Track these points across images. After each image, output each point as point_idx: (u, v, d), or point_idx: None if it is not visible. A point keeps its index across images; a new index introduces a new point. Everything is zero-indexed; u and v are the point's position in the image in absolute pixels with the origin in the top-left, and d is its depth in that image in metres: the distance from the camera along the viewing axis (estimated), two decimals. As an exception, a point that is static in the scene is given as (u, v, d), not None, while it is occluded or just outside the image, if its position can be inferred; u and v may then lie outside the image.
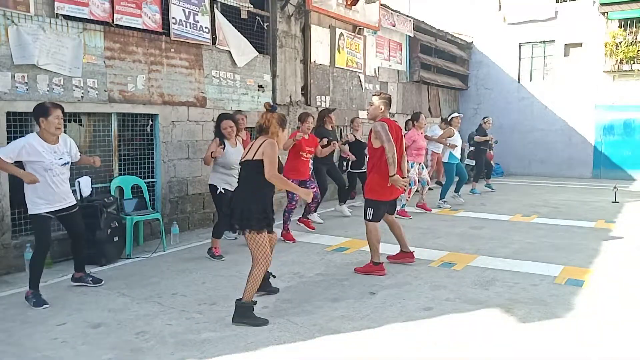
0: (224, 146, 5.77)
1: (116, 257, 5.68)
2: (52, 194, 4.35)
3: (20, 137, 5.29)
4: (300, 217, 7.25)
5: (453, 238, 6.80)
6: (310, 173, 7.12)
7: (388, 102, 5.25)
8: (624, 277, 5.05)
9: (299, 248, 6.26)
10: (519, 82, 15.45)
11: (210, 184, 5.92)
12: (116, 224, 5.70)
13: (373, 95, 5.38)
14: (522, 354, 3.38)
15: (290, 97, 9.10)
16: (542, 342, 3.56)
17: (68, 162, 4.49)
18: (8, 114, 5.22)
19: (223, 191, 5.72)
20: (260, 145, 3.91)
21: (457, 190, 9.72)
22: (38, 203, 4.30)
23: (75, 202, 4.64)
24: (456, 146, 9.29)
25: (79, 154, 4.74)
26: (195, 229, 7.30)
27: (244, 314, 3.88)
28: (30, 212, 4.34)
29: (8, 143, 5.19)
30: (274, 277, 4.55)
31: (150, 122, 6.77)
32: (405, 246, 5.56)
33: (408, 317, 4.01)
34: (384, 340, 3.59)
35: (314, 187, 6.92)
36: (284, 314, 4.08)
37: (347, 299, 4.45)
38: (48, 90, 5.50)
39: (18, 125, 5.33)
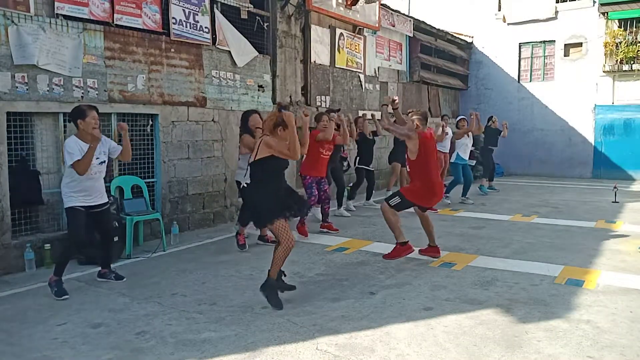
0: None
1: (116, 257, 5.68)
2: (88, 189, 4.58)
3: (19, 136, 5.35)
4: (321, 223, 7.24)
5: (453, 238, 6.79)
6: (327, 172, 7.21)
7: (423, 118, 5.57)
8: (624, 277, 5.05)
9: (299, 248, 6.25)
10: (519, 82, 15.46)
11: (236, 180, 6.13)
12: (116, 224, 5.70)
13: (409, 112, 5.76)
14: (522, 354, 3.38)
15: (290, 97, 9.10)
16: (542, 342, 3.56)
17: (105, 161, 4.74)
18: (8, 114, 5.22)
19: (246, 185, 5.80)
20: (258, 146, 4.19)
21: (464, 194, 9.75)
22: (74, 197, 4.54)
23: (107, 200, 4.86)
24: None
25: (119, 147, 4.92)
26: (195, 229, 7.30)
27: (267, 287, 4.21)
28: (65, 205, 4.59)
29: (8, 143, 5.23)
30: (285, 275, 4.47)
31: (150, 122, 6.77)
32: (432, 241, 5.81)
33: (408, 317, 4.01)
34: (384, 340, 3.59)
35: (326, 187, 7.04)
36: (284, 314, 4.08)
37: (347, 299, 4.44)
38: (48, 90, 5.49)
39: (18, 126, 5.34)
